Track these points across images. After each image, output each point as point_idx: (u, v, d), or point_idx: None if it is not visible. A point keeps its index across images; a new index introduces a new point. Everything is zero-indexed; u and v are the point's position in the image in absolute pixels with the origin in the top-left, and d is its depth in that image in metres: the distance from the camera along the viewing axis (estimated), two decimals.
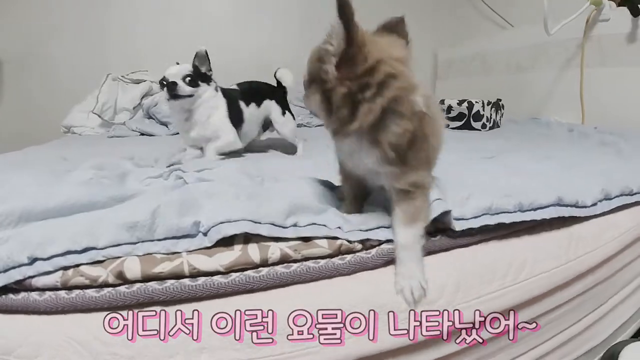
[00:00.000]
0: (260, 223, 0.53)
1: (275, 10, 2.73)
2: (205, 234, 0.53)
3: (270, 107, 1.52)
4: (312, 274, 0.53)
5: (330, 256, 0.55)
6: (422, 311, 0.54)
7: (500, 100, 2.11)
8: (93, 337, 0.47)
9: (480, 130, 1.96)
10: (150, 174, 0.72)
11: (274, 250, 0.53)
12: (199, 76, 1.28)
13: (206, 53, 1.30)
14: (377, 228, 0.58)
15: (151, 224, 0.52)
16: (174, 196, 0.55)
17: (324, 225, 0.56)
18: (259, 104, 1.48)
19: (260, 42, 2.66)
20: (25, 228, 0.53)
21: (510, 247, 0.65)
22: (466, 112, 1.98)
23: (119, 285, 0.50)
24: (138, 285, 0.50)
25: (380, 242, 0.58)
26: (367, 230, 0.57)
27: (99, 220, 0.53)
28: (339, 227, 0.56)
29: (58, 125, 2.16)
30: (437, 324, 0.54)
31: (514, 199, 0.66)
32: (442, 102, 2.05)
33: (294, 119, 1.59)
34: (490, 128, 2.01)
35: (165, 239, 0.52)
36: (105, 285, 0.50)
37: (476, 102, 1.97)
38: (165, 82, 1.24)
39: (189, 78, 1.25)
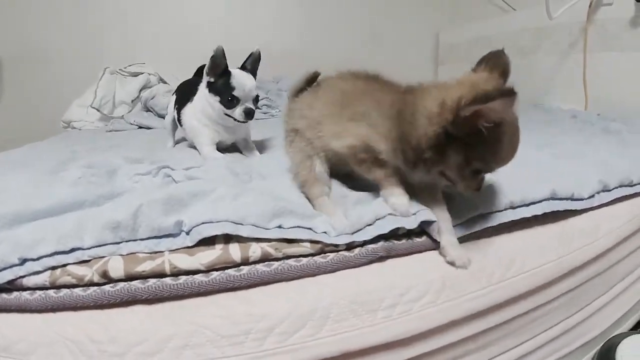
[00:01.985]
0: (242, 224, 0.54)
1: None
2: (187, 233, 0.54)
3: None
4: (294, 272, 0.53)
5: (312, 255, 0.55)
6: (402, 311, 0.54)
7: None
8: (83, 334, 0.49)
9: None
10: (139, 171, 0.73)
11: (255, 249, 0.53)
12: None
13: (260, 55, 1.17)
14: (363, 228, 0.58)
15: (133, 223, 0.53)
16: (157, 195, 0.55)
17: (310, 229, 0.56)
18: None
19: (261, 31, 2.64)
20: (16, 230, 0.54)
21: (500, 243, 0.64)
22: None
23: (104, 284, 0.51)
24: (122, 284, 0.51)
25: (365, 242, 0.58)
26: (353, 233, 0.57)
27: (85, 221, 0.54)
28: (325, 232, 0.56)
29: (58, 120, 2.17)
30: (417, 320, 0.54)
31: (505, 197, 0.65)
32: None
33: None
34: None
35: (148, 238, 0.53)
36: (91, 284, 0.51)
37: None
38: (232, 98, 1.08)
39: (256, 95, 1.13)
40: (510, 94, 0.45)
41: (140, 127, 1.97)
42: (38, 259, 0.52)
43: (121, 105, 2.20)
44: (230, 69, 1.10)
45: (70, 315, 0.50)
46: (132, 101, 2.22)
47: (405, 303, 0.55)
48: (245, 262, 0.53)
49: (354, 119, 0.62)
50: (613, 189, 0.75)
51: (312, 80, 0.78)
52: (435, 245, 0.60)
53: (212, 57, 1.07)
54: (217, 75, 1.09)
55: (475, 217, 0.63)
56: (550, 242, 0.67)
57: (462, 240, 0.62)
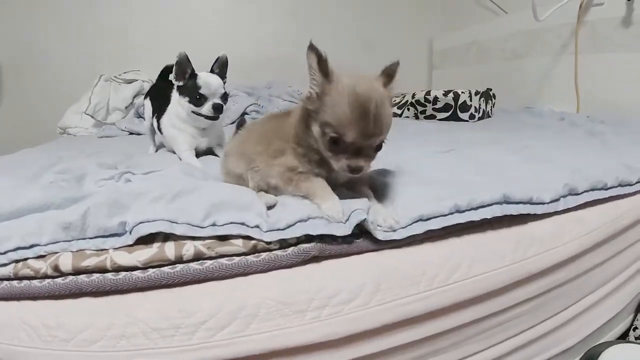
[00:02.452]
0: (177, 223, 0.57)
1: (269, 5, 2.76)
2: (130, 233, 0.58)
3: None
4: (225, 270, 0.56)
5: (245, 254, 0.58)
6: (331, 313, 0.56)
7: (491, 89, 2.04)
8: (38, 320, 0.55)
9: (468, 121, 1.89)
10: (103, 176, 0.79)
11: (189, 248, 0.56)
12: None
13: (226, 59, 1.28)
14: (295, 224, 0.59)
15: (82, 224, 0.58)
16: (103, 198, 0.60)
17: (242, 224, 0.59)
18: None
19: (252, 37, 2.69)
20: None
21: (446, 247, 0.63)
22: (452, 103, 1.92)
23: (57, 277, 0.57)
24: (71, 277, 0.56)
25: (299, 241, 0.59)
26: (285, 229, 0.58)
27: (45, 221, 0.60)
28: (257, 226, 0.58)
29: (54, 126, 2.28)
30: (346, 322, 0.56)
31: (451, 200, 0.64)
32: (429, 93, 2.01)
33: None
34: (480, 118, 1.94)
35: (95, 237, 0.58)
36: (46, 276, 0.57)
37: (462, 92, 1.90)
38: (200, 96, 1.18)
39: (223, 92, 1.23)
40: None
41: (131, 133, 2.04)
42: (5, 252, 0.58)
43: (115, 112, 2.30)
44: (196, 72, 1.21)
45: (29, 303, 0.56)
46: (126, 107, 2.31)
47: (335, 305, 0.56)
48: (179, 260, 0.56)
49: (274, 155, 0.70)
50: (583, 192, 0.72)
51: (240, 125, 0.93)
52: (374, 246, 0.61)
53: (176, 62, 1.18)
54: (185, 79, 1.20)
55: (418, 220, 0.62)
56: (504, 248, 0.65)
57: (403, 244, 0.62)
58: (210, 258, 0.57)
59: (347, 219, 0.59)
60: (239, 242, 0.58)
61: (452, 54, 2.73)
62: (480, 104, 1.93)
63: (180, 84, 1.21)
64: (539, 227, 0.68)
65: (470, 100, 1.89)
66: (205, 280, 0.56)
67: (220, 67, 1.27)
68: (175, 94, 1.25)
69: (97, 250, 0.58)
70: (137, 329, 0.53)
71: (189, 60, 1.19)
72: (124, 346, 0.53)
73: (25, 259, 0.58)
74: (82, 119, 2.22)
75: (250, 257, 0.58)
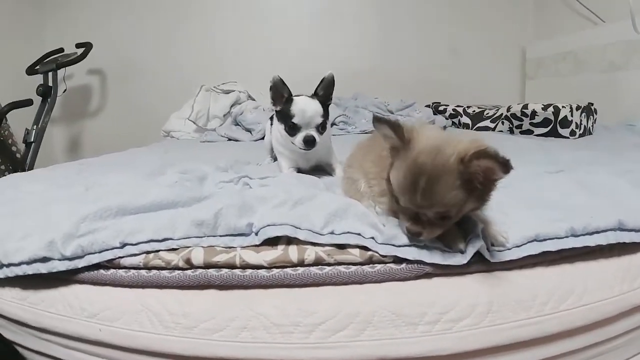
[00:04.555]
0: (299, 228, 0.62)
1: (355, 16, 2.82)
2: (256, 234, 0.63)
3: None
4: (343, 277, 0.59)
5: (362, 264, 0.61)
6: (442, 329, 0.57)
7: (592, 104, 1.88)
8: (163, 308, 0.60)
9: (568, 137, 1.76)
10: (223, 179, 0.85)
11: (310, 253, 0.60)
12: (326, 113, 1.13)
13: (333, 79, 1.15)
14: (411, 246, 0.61)
15: (215, 222, 0.64)
16: (234, 200, 0.66)
17: (358, 234, 0.62)
18: None
19: (341, 49, 2.77)
20: (119, 220, 0.68)
21: (558, 273, 0.63)
22: (552, 117, 1.79)
23: (187, 269, 0.62)
24: (200, 270, 0.61)
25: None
26: (399, 247, 0.61)
27: (177, 217, 0.66)
28: (372, 238, 0.62)
29: (156, 128, 2.50)
30: (455, 339, 0.57)
31: (567, 222, 0.64)
32: (526, 106, 1.89)
33: None
34: (581, 135, 1.80)
35: (225, 235, 0.64)
36: (176, 268, 0.62)
37: (563, 106, 1.77)
38: (293, 125, 1.08)
39: (320, 122, 1.10)
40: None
41: (230, 140, 2.17)
42: (137, 244, 0.64)
43: (214, 119, 2.47)
44: (294, 95, 1.12)
45: (155, 292, 0.62)
46: (224, 115, 2.47)
47: (446, 322, 0.57)
48: (301, 263, 0.60)
49: (381, 194, 0.73)
50: None
51: None
52: (486, 266, 0.62)
53: (270, 87, 1.10)
54: (282, 103, 1.11)
55: (533, 241, 0.63)
56: (613, 277, 0.64)
57: (515, 266, 0.63)
58: (329, 264, 0.61)
59: (464, 251, 0.60)
60: (356, 251, 0.61)
61: (547, 63, 2.56)
62: (581, 120, 1.79)
63: (278, 108, 1.13)
64: None
65: (572, 116, 1.76)
66: (323, 284, 0.60)
67: (326, 89, 1.15)
68: (275, 118, 1.20)
69: (225, 248, 0.63)
70: (259, 323, 0.57)
71: (284, 84, 1.11)
72: (245, 337, 0.57)
73: (157, 251, 0.64)
74: (185, 124, 2.40)
75: (366, 267, 0.61)
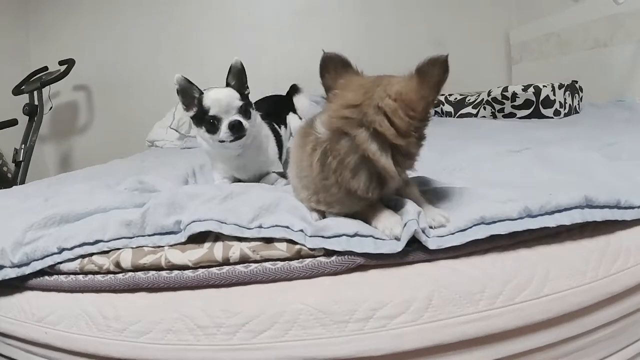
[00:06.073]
0: (225, 223, 0.59)
1: (335, 11, 2.77)
2: (184, 231, 0.61)
3: (291, 121, 1.41)
4: (269, 274, 0.56)
5: (289, 259, 0.57)
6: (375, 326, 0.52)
7: (577, 82, 1.79)
8: (97, 311, 0.59)
9: (552, 118, 1.67)
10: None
11: (235, 250, 0.57)
12: (245, 99, 0.99)
13: (242, 65, 1.02)
14: (341, 236, 0.56)
15: (142, 222, 0.62)
16: (164, 198, 0.64)
17: (287, 227, 0.58)
18: (285, 123, 1.35)
19: (323, 45, 2.69)
20: (62, 227, 0.68)
21: (514, 260, 0.56)
22: (533, 98, 1.70)
23: (118, 272, 0.61)
24: (130, 273, 0.60)
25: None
26: (329, 238, 0.56)
27: (108, 219, 0.65)
28: (301, 230, 0.57)
29: (144, 139, 2.49)
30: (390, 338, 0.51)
31: (521, 202, 0.56)
32: (506, 89, 1.80)
33: None
34: (567, 115, 1.71)
35: (153, 234, 0.62)
36: (108, 272, 0.61)
37: (544, 86, 1.68)
38: (212, 119, 0.94)
39: (240, 105, 0.96)
40: None
41: None
42: (72, 248, 0.64)
43: None
44: (203, 90, 0.99)
45: (91, 296, 0.62)
46: None
47: (379, 318, 0.52)
48: (226, 262, 0.57)
49: None
50: None
51: None
52: (428, 255, 0.56)
53: (177, 91, 0.96)
54: (195, 105, 0.97)
55: (480, 224, 0.56)
56: (585, 261, 0.56)
57: (462, 254, 0.56)
58: (256, 261, 0.57)
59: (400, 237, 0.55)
60: (283, 246, 0.57)
61: (531, 46, 2.49)
62: (565, 99, 1.71)
63: (193, 113, 0.98)
64: (628, 237, 0.58)
65: (554, 95, 1.68)
66: (249, 282, 0.57)
67: (237, 77, 1.01)
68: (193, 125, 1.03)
69: (154, 247, 0.61)
70: (183, 325, 0.55)
71: (191, 82, 0.97)
72: (171, 340, 0.55)
73: (91, 255, 0.64)
74: (167, 132, 2.40)
75: (294, 263, 0.56)
